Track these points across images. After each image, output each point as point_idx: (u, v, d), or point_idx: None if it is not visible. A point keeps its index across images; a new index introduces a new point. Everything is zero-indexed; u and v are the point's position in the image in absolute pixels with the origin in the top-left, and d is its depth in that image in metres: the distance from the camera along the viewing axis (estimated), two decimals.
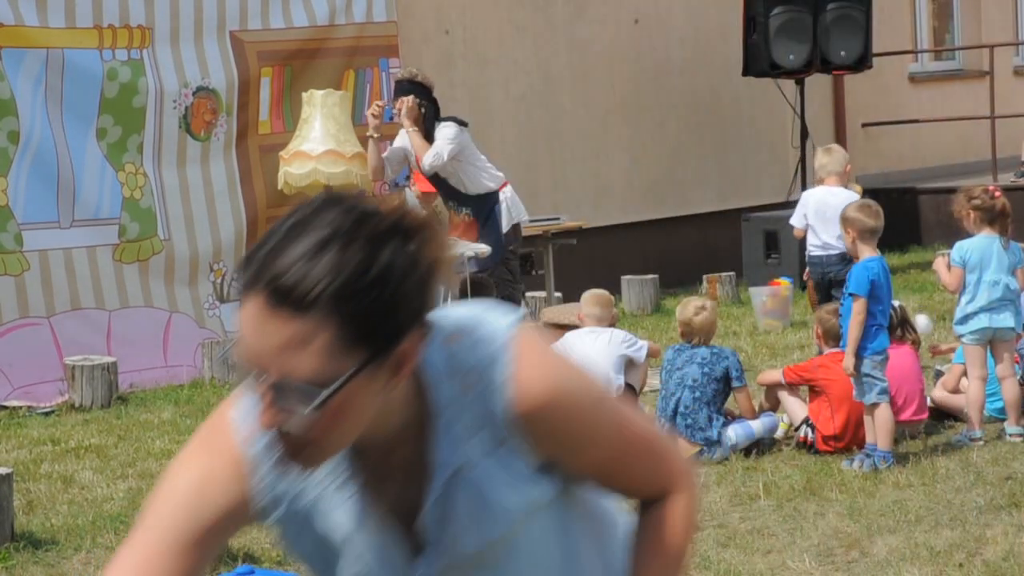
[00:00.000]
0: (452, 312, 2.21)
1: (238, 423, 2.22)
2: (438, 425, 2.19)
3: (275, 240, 2.10)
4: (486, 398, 2.18)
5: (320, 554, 2.28)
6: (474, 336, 2.19)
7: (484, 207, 9.64)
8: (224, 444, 2.23)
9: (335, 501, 2.24)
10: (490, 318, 2.22)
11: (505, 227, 9.65)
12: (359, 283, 2.03)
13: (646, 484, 2.35)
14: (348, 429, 2.10)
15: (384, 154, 9.81)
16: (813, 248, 9.94)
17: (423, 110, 9.48)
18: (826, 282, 9.87)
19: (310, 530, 2.27)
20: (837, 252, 9.62)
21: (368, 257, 2.04)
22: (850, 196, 9.68)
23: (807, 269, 11.20)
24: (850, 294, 7.40)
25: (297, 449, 2.10)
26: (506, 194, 9.73)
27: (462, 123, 9.51)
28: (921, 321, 10.02)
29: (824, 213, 9.79)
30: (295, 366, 2.03)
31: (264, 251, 2.09)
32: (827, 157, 10.18)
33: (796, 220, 10.17)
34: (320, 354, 2.03)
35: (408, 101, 9.52)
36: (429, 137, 9.43)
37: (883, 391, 7.30)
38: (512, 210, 9.72)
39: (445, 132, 9.38)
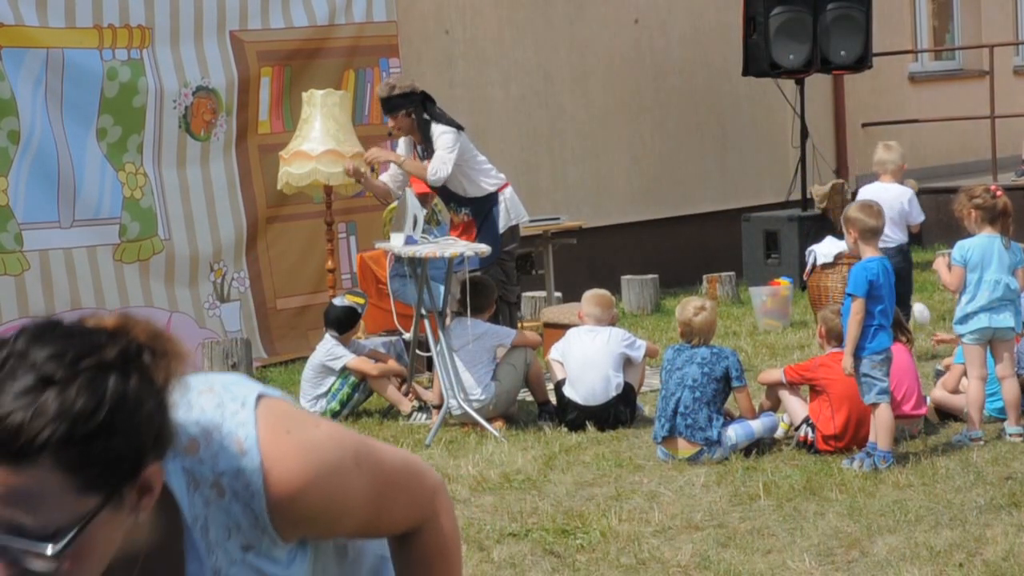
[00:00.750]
0: (183, 414, 2.02)
1: None
2: (189, 537, 2.07)
3: None
4: (242, 498, 2.06)
5: None
6: (214, 441, 2.05)
7: (483, 207, 9.64)
8: None
9: None
10: (227, 412, 2.08)
11: (503, 228, 9.65)
12: (86, 427, 1.85)
13: (407, 520, 2.29)
14: (92, 567, 1.93)
15: (387, 173, 9.81)
16: None
17: (413, 117, 9.43)
18: None
19: None
20: (894, 245, 10.00)
21: (93, 396, 1.86)
22: (903, 191, 10.20)
23: (807, 268, 11.26)
24: (848, 294, 7.40)
25: None
26: (505, 195, 9.72)
27: (458, 127, 9.47)
28: (918, 309, 10.09)
29: None
30: (23, 520, 1.85)
31: None
32: (887, 154, 10.43)
33: None
34: (50, 506, 1.86)
35: (398, 120, 9.49)
36: (427, 140, 9.41)
37: (883, 391, 7.29)
38: (511, 211, 9.72)
39: (443, 141, 9.32)
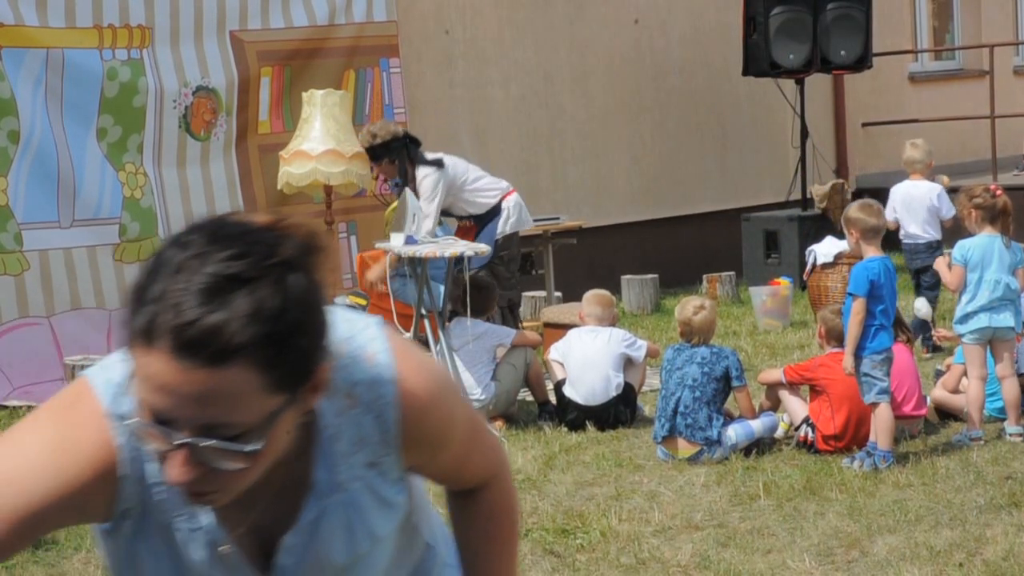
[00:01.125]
0: None
1: (106, 405, 2.00)
2: (320, 444, 2.08)
3: (169, 280, 1.85)
4: (374, 409, 2.09)
5: (159, 565, 2.12)
6: (348, 352, 2.07)
7: (485, 216, 9.75)
8: (89, 424, 1.99)
9: (189, 513, 2.09)
10: (357, 328, 2.11)
11: (499, 234, 9.69)
12: (277, 326, 1.84)
13: (483, 469, 2.33)
14: (265, 465, 1.96)
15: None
16: (902, 238, 10.41)
17: (396, 163, 9.49)
18: (914, 269, 10.35)
19: (153, 539, 2.10)
20: (924, 241, 10.32)
21: (280, 295, 1.85)
22: (932, 187, 10.40)
23: (807, 268, 11.27)
24: (849, 294, 7.40)
25: (205, 494, 1.95)
26: (509, 203, 9.77)
27: (438, 163, 9.47)
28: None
29: (910, 205, 10.37)
30: (217, 421, 1.86)
31: (157, 293, 1.84)
32: (915, 152, 10.68)
33: (887, 214, 10.38)
34: (242, 406, 1.86)
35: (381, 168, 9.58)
36: (413, 181, 9.43)
37: (883, 391, 7.29)
38: (512, 218, 9.77)
39: (423, 189, 9.33)
